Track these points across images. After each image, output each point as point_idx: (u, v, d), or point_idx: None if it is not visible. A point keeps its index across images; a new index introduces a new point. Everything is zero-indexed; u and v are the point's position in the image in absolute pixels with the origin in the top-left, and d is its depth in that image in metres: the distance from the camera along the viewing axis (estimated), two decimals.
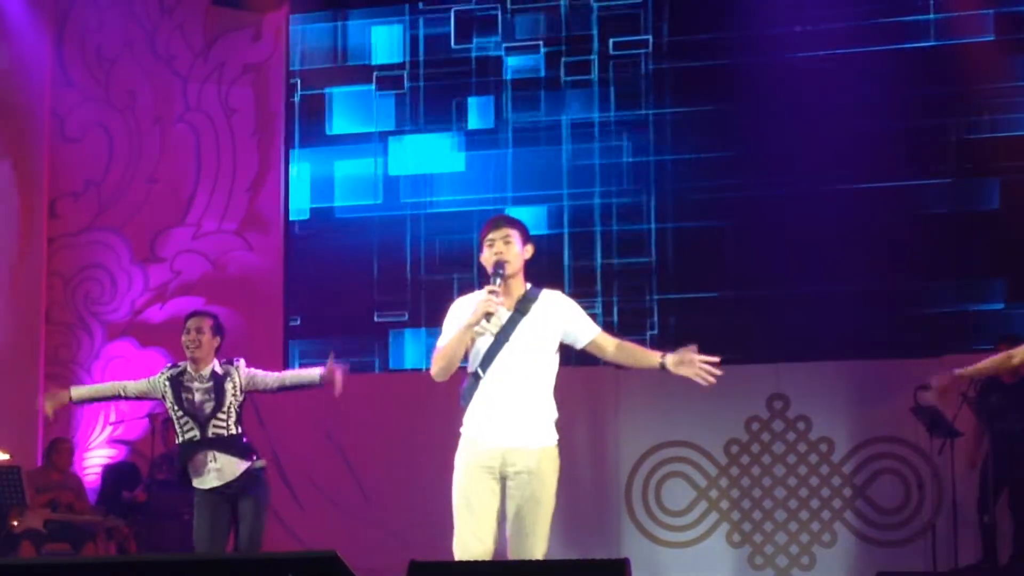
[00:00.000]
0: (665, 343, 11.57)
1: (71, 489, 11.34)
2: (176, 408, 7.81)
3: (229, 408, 7.80)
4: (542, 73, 12.24)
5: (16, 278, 12.63)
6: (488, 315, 6.11)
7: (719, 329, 11.44)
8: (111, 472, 12.16)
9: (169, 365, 7.99)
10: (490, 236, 6.26)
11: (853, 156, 11.52)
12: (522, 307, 6.25)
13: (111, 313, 12.76)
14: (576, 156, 12.12)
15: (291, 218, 12.63)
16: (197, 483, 7.81)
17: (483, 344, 6.22)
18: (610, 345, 6.42)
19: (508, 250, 6.23)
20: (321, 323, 12.34)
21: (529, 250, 6.31)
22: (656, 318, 11.72)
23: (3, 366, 12.32)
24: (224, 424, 7.79)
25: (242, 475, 7.76)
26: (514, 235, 6.26)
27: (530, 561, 5.93)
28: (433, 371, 6.26)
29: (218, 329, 7.90)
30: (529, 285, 6.34)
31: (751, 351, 11.42)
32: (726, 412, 11.36)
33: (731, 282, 11.50)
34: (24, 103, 12.76)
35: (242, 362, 7.90)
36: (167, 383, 7.84)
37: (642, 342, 11.71)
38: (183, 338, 7.85)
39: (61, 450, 11.46)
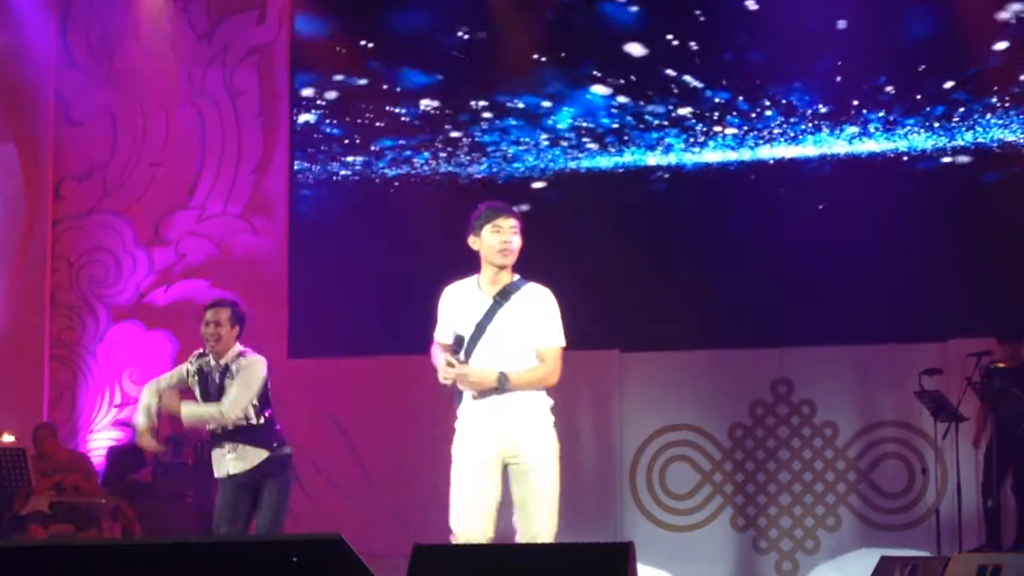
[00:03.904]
0: (669, 329, 11.63)
1: (77, 470, 11.35)
2: (201, 398, 7.80)
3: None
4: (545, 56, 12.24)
5: (21, 261, 12.63)
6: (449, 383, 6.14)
7: (723, 313, 11.44)
8: (116, 454, 12.18)
9: (198, 352, 7.91)
10: (498, 222, 6.18)
11: (860, 138, 11.51)
12: (501, 297, 6.21)
13: (116, 296, 12.76)
14: (580, 131, 12.12)
15: (296, 200, 12.62)
16: (218, 471, 7.80)
17: (465, 335, 6.20)
18: (540, 361, 6.24)
19: (514, 240, 6.19)
20: (326, 305, 12.33)
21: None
22: (660, 304, 11.68)
23: (8, 349, 12.34)
24: (243, 417, 7.76)
25: (264, 462, 7.75)
26: (518, 226, 6.22)
27: (534, 544, 5.94)
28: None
29: (237, 318, 7.87)
30: (516, 276, 6.29)
31: (755, 335, 11.42)
32: (730, 396, 11.37)
33: (735, 266, 11.48)
34: (28, 86, 12.75)
35: (251, 359, 7.81)
36: (196, 374, 7.83)
37: (646, 330, 11.82)
38: (202, 329, 7.84)
39: (41, 437, 11.44)
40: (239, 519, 7.78)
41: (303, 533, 9.43)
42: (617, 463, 11.53)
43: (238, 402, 7.67)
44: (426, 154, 12.42)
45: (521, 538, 6.15)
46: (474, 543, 6.08)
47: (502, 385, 6.10)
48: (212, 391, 7.78)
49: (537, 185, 12.18)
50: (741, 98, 11.83)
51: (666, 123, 11.97)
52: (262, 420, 7.80)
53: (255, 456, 7.76)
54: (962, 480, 10.32)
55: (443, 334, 6.34)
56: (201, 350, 7.91)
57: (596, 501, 11.43)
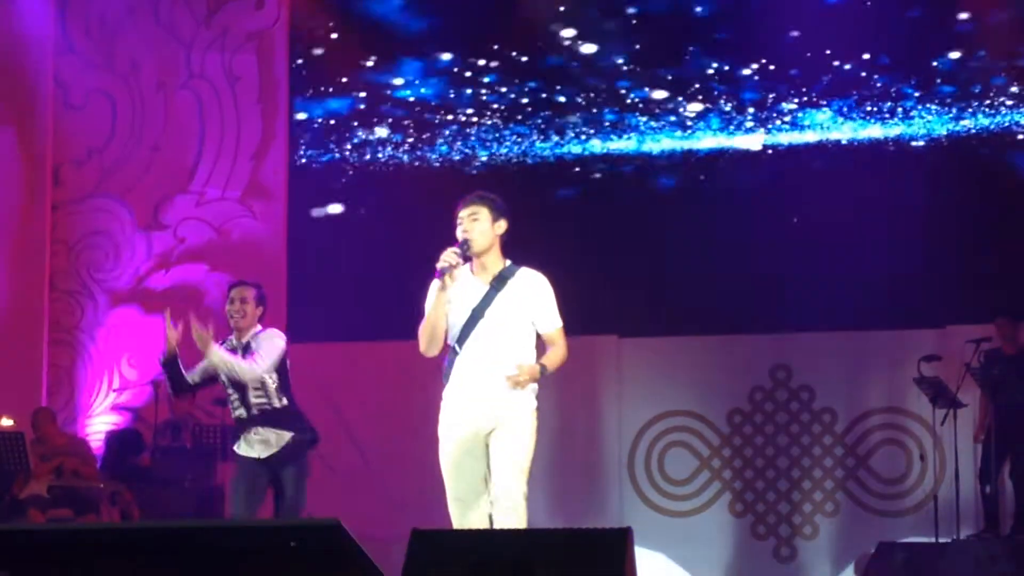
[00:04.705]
0: (667, 315, 11.63)
1: (76, 454, 11.36)
2: (226, 382, 7.80)
3: (264, 379, 7.77)
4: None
5: (20, 245, 12.62)
6: (444, 271, 6.18)
7: (722, 299, 11.43)
8: (115, 439, 12.17)
9: (221, 342, 7.92)
10: (459, 215, 6.35)
11: (859, 119, 11.51)
12: (497, 283, 6.32)
13: (115, 280, 12.75)
14: (580, 116, 12.12)
15: (295, 185, 12.61)
16: (243, 451, 7.79)
17: (460, 319, 6.29)
18: (551, 345, 6.43)
19: (473, 228, 6.30)
20: (324, 290, 12.33)
21: (502, 225, 6.36)
22: (658, 290, 11.67)
23: (7, 333, 12.33)
24: (264, 396, 7.77)
25: (288, 445, 7.76)
26: (481, 212, 6.32)
27: (532, 530, 5.95)
28: (420, 347, 6.34)
29: (261, 299, 7.93)
30: (508, 262, 6.40)
31: (754, 321, 11.42)
32: (729, 382, 11.38)
33: (733, 252, 11.48)
34: (27, 70, 12.73)
35: (270, 331, 7.87)
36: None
37: (645, 316, 11.82)
38: (227, 307, 7.87)
39: (40, 421, 11.43)
40: (255, 501, 7.79)
41: (301, 518, 9.44)
42: (616, 448, 11.53)
43: (265, 359, 7.69)
44: (425, 139, 12.41)
45: (494, 509, 6.19)
46: (472, 528, 6.10)
47: (543, 374, 6.28)
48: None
49: (537, 172, 12.17)
50: (741, 84, 11.83)
51: (665, 108, 11.97)
52: (284, 402, 7.81)
53: (279, 439, 7.77)
54: (960, 466, 10.33)
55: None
56: (224, 340, 7.91)
57: (595, 486, 11.44)
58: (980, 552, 9.56)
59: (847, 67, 11.63)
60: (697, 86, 11.90)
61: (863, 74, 11.62)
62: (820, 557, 11.11)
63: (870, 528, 10.90)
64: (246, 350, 7.81)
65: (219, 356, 7.69)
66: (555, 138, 12.16)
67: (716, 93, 11.87)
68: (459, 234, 6.31)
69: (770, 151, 11.76)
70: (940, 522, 10.26)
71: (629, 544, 4.84)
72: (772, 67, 11.78)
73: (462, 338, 6.29)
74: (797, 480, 11.28)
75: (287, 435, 7.78)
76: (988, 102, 11.37)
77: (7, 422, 11.53)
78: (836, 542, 11.10)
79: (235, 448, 7.88)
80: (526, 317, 6.32)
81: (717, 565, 11.23)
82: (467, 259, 6.33)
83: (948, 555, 9.64)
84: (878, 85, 11.57)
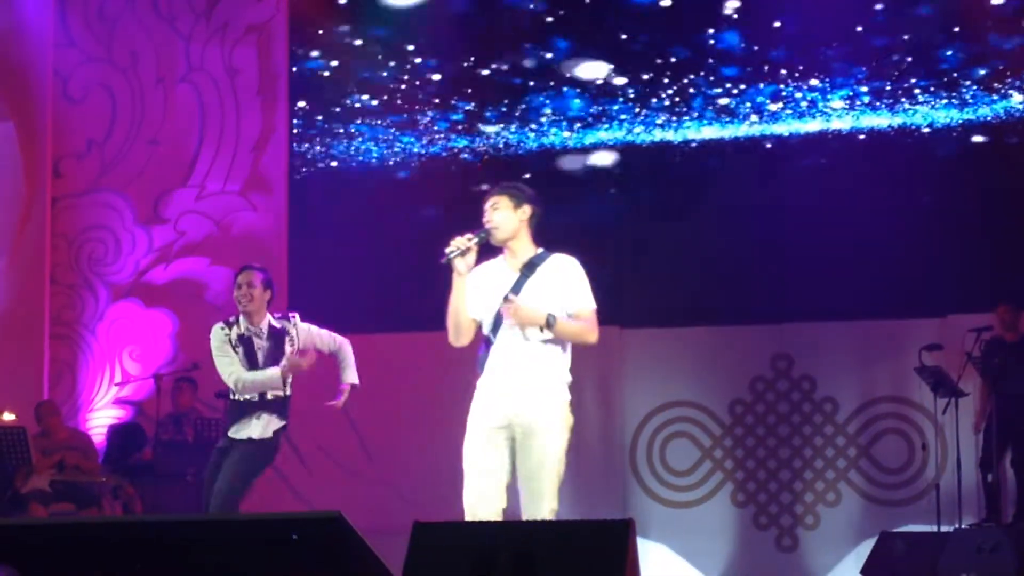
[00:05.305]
0: (669, 305, 11.63)
1: (78, 449, 11.36)
2: (247, 364, 7.78)
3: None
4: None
5: (20, 239, 12.62)
6: (450, 255, 6.19)
7: (724, 289, 11.43)
8: (116, 433, 12.17)
9: (220, 324, 7.90)
10: (485, 206, 6.38)
11: (859, 108, 11.50)
12: (527, 270, 6.34)
13: (115, 274, 12.75)
14: (579, 107, 12.12)
15: (295, 178, 12.61)
16: (236, 435, 7.78)
17: (491, 308, 6.28)
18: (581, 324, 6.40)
19: (494, 216, 6.33)
20: (325, 283, 12.32)
21: (526, 211, 6.37)
22: (660, 280, 11.67)
23: (8, 327, 12.33)
24: (280, 385, 7.78)
25: (277, 431, 7.78)
26: (502, 201, 6.36)
27: (534, 521, 5.95)
28: (449, 338, 6.33)
29: (268, 283, 7.91)
30: (541, 249, 6.41)
31: (755, 311, 11.42)
32: (730, 372, 11.38)
33: (735, 242, 11.47)
34: (26, 64, 12.72)
35: (297, 317, 7.89)
36: (237, 342, 7.79)
37: (647, 307, 11.82)
38: (235, 293, 7.85)
39: (43, 413, 11.44)
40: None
41: (303, 511, 9.45)
42: (618, 439, 11.54)
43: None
44: (424, 131, 12.41)
45: (524, 512, 6.20)
46: (474, 520, 6.10)
47: (549, 325, 6.23)
48: (261, 356, 7.77)
49: (537, 161, 12.16)
50: (741, 73, 11.82)
51: (663, 97, 11.95)
52: (289, 391, 7.82)
53: (273, 425, 7.77)
54: (962, 455, 10.33)
55: (472, 310, 6.38)
56: (224, 322, 7.89)
57: (597, 478, 11.43)
58: (982, 541, 9.57)
59: (848, 58, 11.62)
60: (700, 80, 11.89)
61: (864, 62, 11.63)
62: (822, 547, 11.12)
63: (872, 518, 10.91)
64: (279, 334, 7.79)
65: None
66: (560, 130, 12.15)
67: (721, 87, 11.86)
68: (484, 223, 6.35)
69: (771, 140, 11.75)
70: (942, 511, 10.28)
71: (631, 535, 4.84)
72: (772, 58, 11.77)
73: (495, 327, 6.30)
74: (799, 470, 11.28)
75: (280, 423, 7.79)
76: (990, 89, 11.35)
77: (9, 417, 11.53)
78: (838, 532, 11.10)
79: (229, 432, 7.84)
80: (556, 303, 6.31)
81: (719, 555, 11.23)
82: (488, 247, 6.33)
83: (950, 544, 9.63)
84: (880, 75, 11.56)
